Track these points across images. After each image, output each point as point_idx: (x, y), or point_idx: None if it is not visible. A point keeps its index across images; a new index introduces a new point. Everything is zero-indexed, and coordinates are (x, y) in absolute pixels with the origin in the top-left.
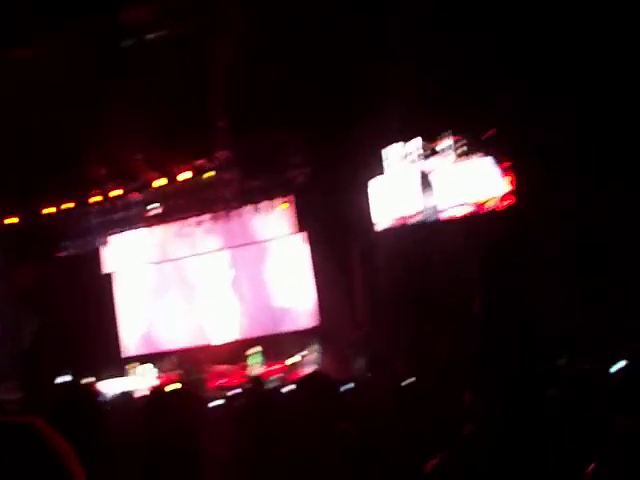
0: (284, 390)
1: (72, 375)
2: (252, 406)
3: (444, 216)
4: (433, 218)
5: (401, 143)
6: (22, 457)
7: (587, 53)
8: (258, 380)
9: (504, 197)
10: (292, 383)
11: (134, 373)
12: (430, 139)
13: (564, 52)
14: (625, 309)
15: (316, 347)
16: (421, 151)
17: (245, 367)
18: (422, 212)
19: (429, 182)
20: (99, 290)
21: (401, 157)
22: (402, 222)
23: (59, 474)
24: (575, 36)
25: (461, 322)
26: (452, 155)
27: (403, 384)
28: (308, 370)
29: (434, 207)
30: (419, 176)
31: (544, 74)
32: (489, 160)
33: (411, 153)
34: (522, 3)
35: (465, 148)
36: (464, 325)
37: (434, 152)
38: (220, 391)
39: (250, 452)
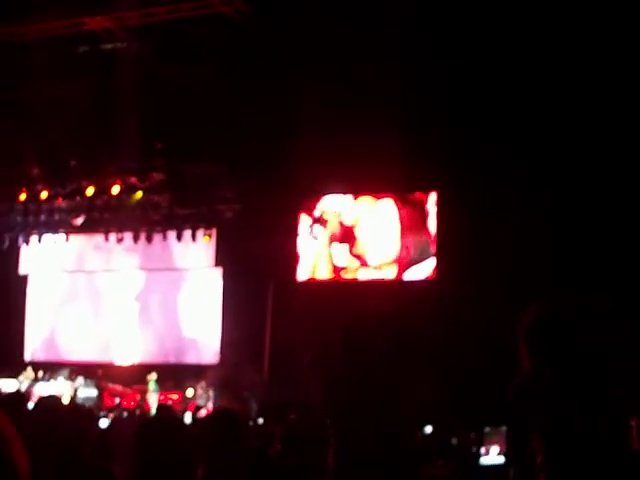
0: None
1: None
2: (155, 431)
3: (367, 277)
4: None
5: (333, 196)
6: None
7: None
8: (163, 406)
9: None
10: (191, 414)
11: (28, 378)
12: (362, 194)
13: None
14: None
15: (213, 383)
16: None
17: (141, 391)
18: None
19: (353, 236)
20: (13, 289)
21: (329, 211)
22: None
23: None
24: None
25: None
26: (383, 213)
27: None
28: (204, 405)
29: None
30: (340, 231)
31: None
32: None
33: (341, 207)
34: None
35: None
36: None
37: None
38: (114, 411)
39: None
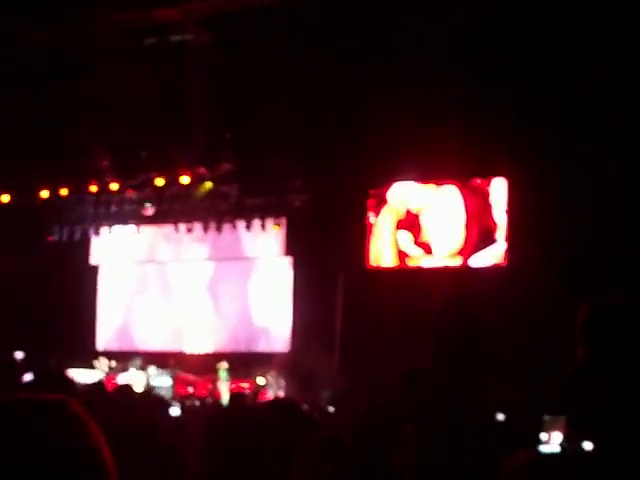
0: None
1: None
2: (229, 420)
3: (437, 264)
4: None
5: (400, 183)
6: (54, 436)
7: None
8: (237, 395)
9: (500, 258)
10: (260, 404)
11: (102, 367)
12: (427, 181)
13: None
14: None
15: (284, 371)
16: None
17: (212, 380)
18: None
19: (418, 224)
20: (84, 280)
21: (395, 198)
22: (397, 266)
23: (91, 456)
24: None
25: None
26: (447, 200)
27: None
28: (275, 394)
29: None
30: (406, 218)
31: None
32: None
33: (407, 194)
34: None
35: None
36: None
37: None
38: (186, 400)
39: (214, 465)
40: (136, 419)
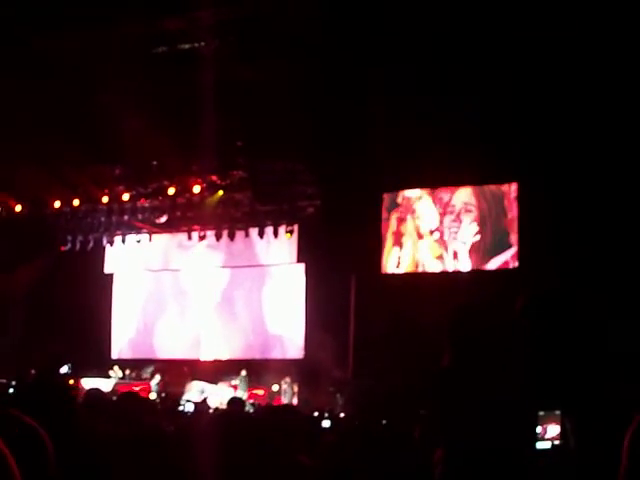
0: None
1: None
2: (218, 424)
3: (445, 267)
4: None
5: (414, 190)
6: None
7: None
8: (236, 400)
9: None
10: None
11: (115, 376)
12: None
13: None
14: None
15: (298, 378)
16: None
17: (229, 387)
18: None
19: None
20: (98, 288)
21: (412, 204)
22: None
23: None
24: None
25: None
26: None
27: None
28: (289, 400)
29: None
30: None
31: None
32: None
33: (421, 200)
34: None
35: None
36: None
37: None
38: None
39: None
40: (140, 426)
